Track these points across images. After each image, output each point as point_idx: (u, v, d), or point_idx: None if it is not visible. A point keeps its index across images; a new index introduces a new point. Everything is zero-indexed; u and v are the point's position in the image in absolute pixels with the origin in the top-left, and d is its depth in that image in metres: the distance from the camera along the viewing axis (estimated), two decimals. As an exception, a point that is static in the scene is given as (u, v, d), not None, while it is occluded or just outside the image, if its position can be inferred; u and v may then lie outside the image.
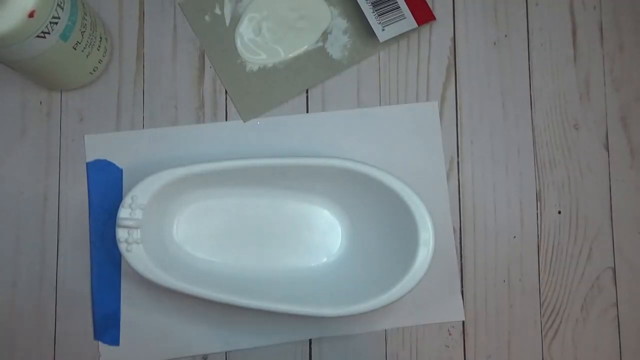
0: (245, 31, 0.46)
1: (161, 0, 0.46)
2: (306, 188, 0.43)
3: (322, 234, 0.44)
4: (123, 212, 0.39)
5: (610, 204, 0.46)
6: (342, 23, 0.46)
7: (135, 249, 0.39)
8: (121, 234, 0.39)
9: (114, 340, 0.44)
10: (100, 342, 0.44)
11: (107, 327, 0.44)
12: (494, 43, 0.47)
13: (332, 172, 0.41)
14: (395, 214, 0.41)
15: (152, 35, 0.46)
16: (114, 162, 0.45)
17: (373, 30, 0.44)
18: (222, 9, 0.46)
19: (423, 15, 0.45)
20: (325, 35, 0.46)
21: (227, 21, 0.46)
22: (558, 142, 0.46)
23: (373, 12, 0.44)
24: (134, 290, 0.44)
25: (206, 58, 0.46)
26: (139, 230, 0.39)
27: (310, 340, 0.44)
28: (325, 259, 0.44)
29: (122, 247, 0.39)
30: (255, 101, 0.45)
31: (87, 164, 0.45)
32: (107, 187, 0.44)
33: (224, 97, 0.46)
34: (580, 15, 0.48)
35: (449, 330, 0.45)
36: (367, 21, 0.44)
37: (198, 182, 0.41)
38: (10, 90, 0.45)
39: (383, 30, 0.44)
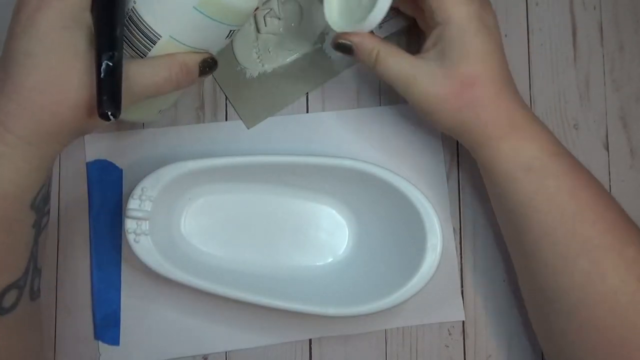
0: (242, 38, 0.47)
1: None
2: (315, 187, 0.45)
3: (329, 234, 0.46)
4: (132, 203, 0.41)
5: (610, 203, 0.48)
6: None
7: (143, 240, 0.41)
8: (130, 224, 0.41)
9: (114, 340, 0.45)
10: (100, 342, 0.45)
11: (107, 327, 0.45)
12: (494, 43, 0.48)
13: (342, 172, 0.43)
14: (403, 217, 0.43)
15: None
16: (114, 162, 0.46)
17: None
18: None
19: None
20: (322, 36, 0.47)
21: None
22: (558, 142, 0.48)
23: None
24: (134, 290, 0.45)
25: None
26: (147, 222, 0.41)
27: (310, 340, 0.46)
28: (331, 259, 0.46)
29: (130, 237, 0.41)
30: (258, 107, 0.47)
31: (87, 164, 0.46)
32: (107, 187, 0.46)
33: (224, 97, 0.47)
34: (580, 15, 0.49)
35: (449, 330, 0.46)
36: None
37: (207, 176, 0.43)
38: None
39: (380, 27, 0.46)
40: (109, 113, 0.31)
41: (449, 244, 0.47)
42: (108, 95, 0.32)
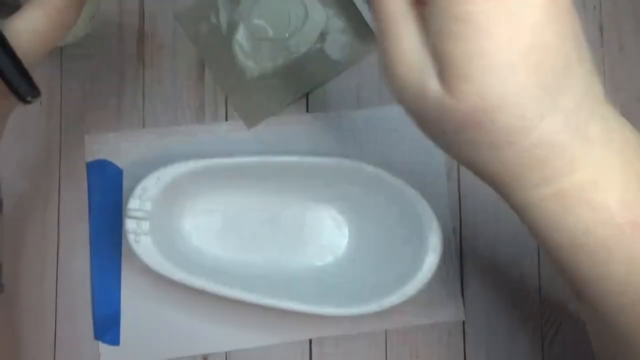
0: (242, 38, 0.47)
1: (160, 1, 0.48)
2: (315, 187, 0.46)
3: (329, 234, 0.46)
4: (133, 203, 0.41)
5: (610, 203, 0.48)
6: (338, 23, 0.48)
7: (143, 240, 0.41)
8: (130, 224, 0.41)
9: (114, 340, 0.45)
10: (100, 342, 0.45)
11: (107, 327, 0.45)
12: (494, 43, 0.49)
13: (342, 172, 0.44)
14: (403, 217, 0.43)
15: (152, 36, 0.48)
16: (114, 162, 0.47)
17: (371, 29, 0.46)
18: (217, 17, 0.48)
19: None
20: (323, 36, 0.48)
21: (224, 29, 0.48)
22: (558, 142, 0.48)
23: (369, 10, 0.46)
24: (134, 290, 0.46)
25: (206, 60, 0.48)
26: (147, 222, 0.41)
27: (310, 340, 0.46)
28: (331, 259, 0.46)
29: (131, 237, 0.41)
30: (258, 107, 0.47)
31: (87, 164, 0.46)
32: (107, 187, 0.46)
33: (224, 97, 0.48)
34: (580, 15, 0.49)
35: (449, 330, 0.47)
36: (364, 19, 0.46)
37: (207, 176, 0.44)
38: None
39: None
40: (30, 98, 0.27)
41: (449, 244, 0.47)
42: (15, 80, 0.26)
